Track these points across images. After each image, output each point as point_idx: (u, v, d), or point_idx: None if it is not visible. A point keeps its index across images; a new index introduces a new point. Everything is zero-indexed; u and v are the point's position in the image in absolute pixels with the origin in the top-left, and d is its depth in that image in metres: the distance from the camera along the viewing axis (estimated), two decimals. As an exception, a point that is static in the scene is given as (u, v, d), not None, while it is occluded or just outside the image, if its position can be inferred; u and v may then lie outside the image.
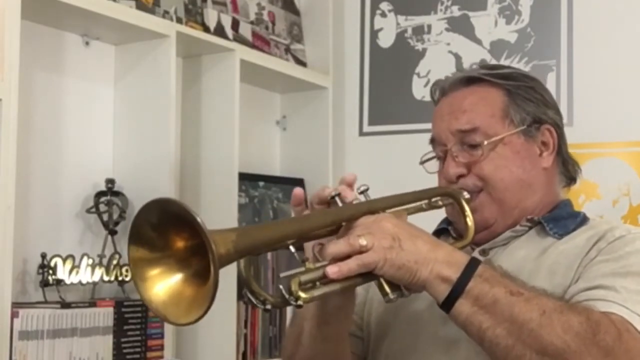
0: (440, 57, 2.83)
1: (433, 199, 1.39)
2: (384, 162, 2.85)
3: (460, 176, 1.41)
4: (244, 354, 2.46)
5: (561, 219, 1.41)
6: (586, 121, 2.59)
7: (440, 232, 1.50)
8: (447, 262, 1.18)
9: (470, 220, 1.35)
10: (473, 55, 2.78)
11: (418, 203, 1.36)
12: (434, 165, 1.48)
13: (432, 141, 1.47)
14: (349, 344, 1.42)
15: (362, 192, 1.26)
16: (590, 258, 1.30)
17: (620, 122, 2.55)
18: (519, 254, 1.38)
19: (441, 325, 1.34)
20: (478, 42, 2.79)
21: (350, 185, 1.26)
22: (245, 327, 2.48)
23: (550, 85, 2.65)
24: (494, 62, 2.74)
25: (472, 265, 1.19)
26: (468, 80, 1.46)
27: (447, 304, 1.18)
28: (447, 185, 1.41)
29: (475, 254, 1.39)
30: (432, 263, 1.17)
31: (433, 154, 1.48)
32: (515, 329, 1.14)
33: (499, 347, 1.15)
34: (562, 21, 2.67)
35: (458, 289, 1.16)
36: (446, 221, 1.50)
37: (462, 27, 2.81)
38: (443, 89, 1.49)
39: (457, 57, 2.81)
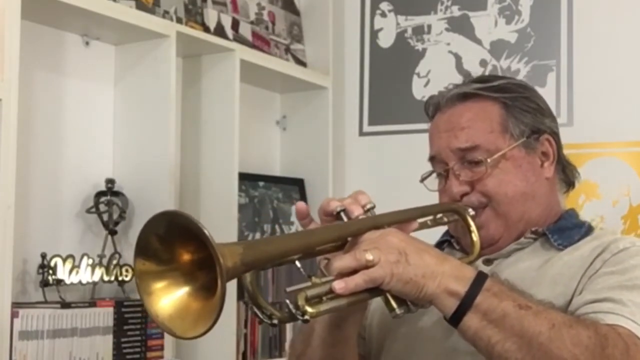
0: (440, 57, 2.83)
1: (438, 216, 1.39)
2: (384, 162, 2.85)
3: (464, 194, 1.40)
4: (244, 354, 2.47)
5: (566, 230, 1.41)
6: (586, 121, 2.59)
7: (442, 243, 1.51)
8: (454, 276, 1.17)
9: (475, 236, 1.36)
10: (473, 55, 2.78)
11: (423, 219, 1.36)
12: (434, 182, 1.48)
13: (432, 159, 1.46)
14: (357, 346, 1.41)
15: (367, 210, 1.24)
16: (595, 269, 1.29)
17: (620, 122, 2.55)
18: (522, 265, 1.38)
19: (443, 332, 1.34)
20: (478, 42, 2.79)
21: (361, 204, 1.24)
22: (245, 327, 2.48)
23: (550, 85, 2.65)
24: (493, 62, 2.74)
25: (480, 279, 1.18)
26: (464, 95, 1.45)
27: (455, 319, 1.17)
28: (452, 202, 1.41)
29: (479, 263, 1.39)
30: (439, 277, 1.16)
31: (431, 171, 1.47)
32: (524, 343, 1.13)
33: None
34: (562, 21, 2.67)
35: (466, 304, 1.15)
36: (448, 233, 1.50)
37: (462, 27, 2.81)
38: (438, 104, 1.48)
39: (457, 57, 2.81)
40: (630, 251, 1.30)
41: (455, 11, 2.83)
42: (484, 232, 1.38)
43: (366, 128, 2.94)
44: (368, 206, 1.24)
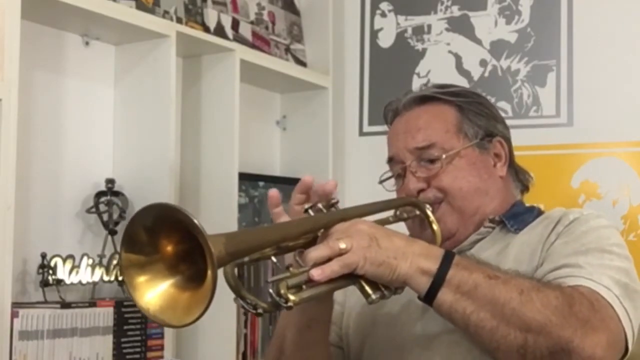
0: (440, 57, 2.83)
1: (399, 211, 1.45)
2: (384, 162, 2.83)
3: (420, 190, 1.46)
4: (244, 354, 2.47)
5: (519, 215, 1.48)
6: (586, 121, 2.59)
7: None
8: (424, 255, 1.23)
9: (436, 226, 1.42)
10: (473, 55, 2.78)
11: (385, 215, 1.42)
12: (392, 184, 1.53)
13: (390, 160, 1.53)
14: (331, 353, 1.47)
15: (332, 205, 1.30)
16: (551, 242, 1.37)
17: (620, 122, 2.55)
18: (485, 253, 1.43)
19: (417, 322, 1.39)
20: (478, 42, 2.79)
21: (309, 187, 1.30)
22: (245, 327, 2.48)
23: (550, 85, 2.66)
24: (493, 62, 2.74)
25: (449, 256, 1.23)
26: (421, 99, 1.52)
27: (430, 296, 1.22)
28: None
29: None
30: (410, 257, 1.21)
31: (390, 174, 1.54)
32: (497, 310, 1.19)
33: (484, 329, 1.20)
34: (562, 21, 2.67)
35: (439, 280, 1.21)
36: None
37: (462, 27, 2.81)
38: (396, 110, 1.55)
39: (457, 57, 2.81)
40: (580, 220, 1.39)
41: (455, 11, 2.83)
42: (441, 226, 1.43)
43: (366, 128, 2.94)
44: (332, 201, 1.30)
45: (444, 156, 1.45)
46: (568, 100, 2.63)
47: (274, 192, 1.31)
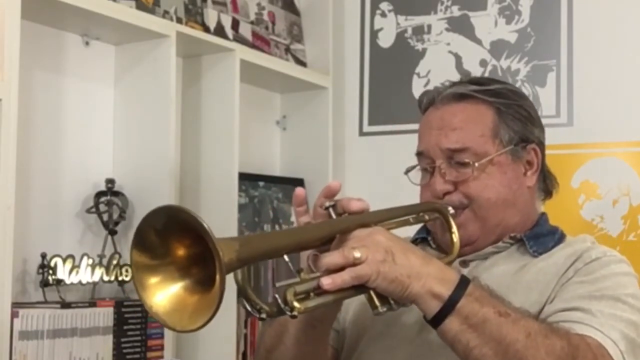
0: (440, 57, 2.83)
1: (420, 213, 1.42)
2: (384, 162, 2.85)
3: (446, 193, 1.43)
4: (244, 354, 2.47)
5: (541, 236, 1.45)
6: (586, 121, 2.59)
7: (416, 240, 1.54)
8: (439, 278, 1.20)
9: (455, 237, 1.39)
10: (473, 55, 2.78)
11: (405, 217, 1.39)
12: (418, 175, 1.51)
13: (419, 154, 1.49)
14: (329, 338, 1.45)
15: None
16: (568, 277, 1.34)
17: (620, 122, 2.55)
18: (498, 269, 1.41)
19: (420, 330, 1.37)
20: (478, 42, 2.79)
21: (334, 194, 1.27)
22: (245, 327, 2.48)
23: (550, 85, 2.65)
24: (493, 62, 2.74)
25: (463, 283, 1.21)
26: (460, 96, 1.48)
27: (437, 320, 1.20)
28: (433, 200, 1.45)
29: (456, 264, 1.42)
30: (424, 278, 1.19)
31: (417, 165, 1.51)
32: (501, 349, 1.17)
33: None
34: (562, 21, 2.67)
35: (449, 307, 1.19)
36: (425, 230, 1.53)
37: (462, 27, 2.81)
38: (433, 100, 1.51)
39: (457, 57, 2.81)
40: (602, 261, 1.36)
41: (455, 11, 2.82)
42: (462, 232, 1.41)
43: (366, 128, 2.94)
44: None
45: (476, 164, 1.41)
46: (568, 100, 2.63)
47: (300, 191, 1.29)
